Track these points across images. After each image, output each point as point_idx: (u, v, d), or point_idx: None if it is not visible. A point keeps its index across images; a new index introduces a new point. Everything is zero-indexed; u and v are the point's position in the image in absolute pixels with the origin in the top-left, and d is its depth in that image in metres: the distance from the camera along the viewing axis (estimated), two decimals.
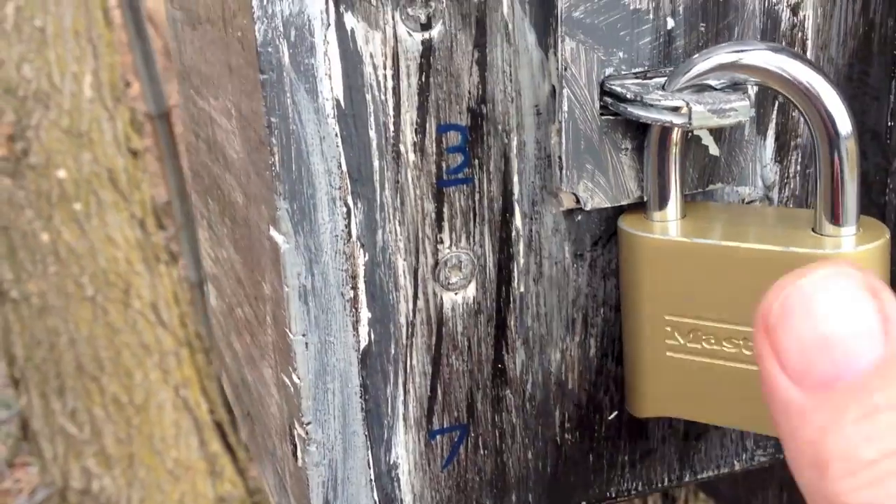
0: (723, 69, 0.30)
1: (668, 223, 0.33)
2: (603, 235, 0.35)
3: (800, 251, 0.30)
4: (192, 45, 0.41)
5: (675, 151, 0.32)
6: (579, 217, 0.35)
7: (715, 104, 0.30)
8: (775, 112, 0.35)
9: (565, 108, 0.32)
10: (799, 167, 0.36)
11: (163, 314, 1.68)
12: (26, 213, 1.60)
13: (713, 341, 0.32)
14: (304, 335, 0.32)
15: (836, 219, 0.30)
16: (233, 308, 0.43)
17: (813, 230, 0.31)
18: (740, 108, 0.30)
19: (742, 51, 0.30)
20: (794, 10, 0.34)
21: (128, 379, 1.66)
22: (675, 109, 0.30)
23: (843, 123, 0.29)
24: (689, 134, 0.33)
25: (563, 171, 0.33)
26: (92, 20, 1.61)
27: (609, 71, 0.32)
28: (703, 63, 0.31)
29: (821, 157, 0.30)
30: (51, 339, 1.62)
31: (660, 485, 0.38)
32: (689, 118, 0.30)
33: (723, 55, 0.30)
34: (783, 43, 0.35)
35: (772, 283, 0.22)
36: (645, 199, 0.34)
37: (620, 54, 0.32)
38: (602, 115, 0.33)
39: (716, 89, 0.31)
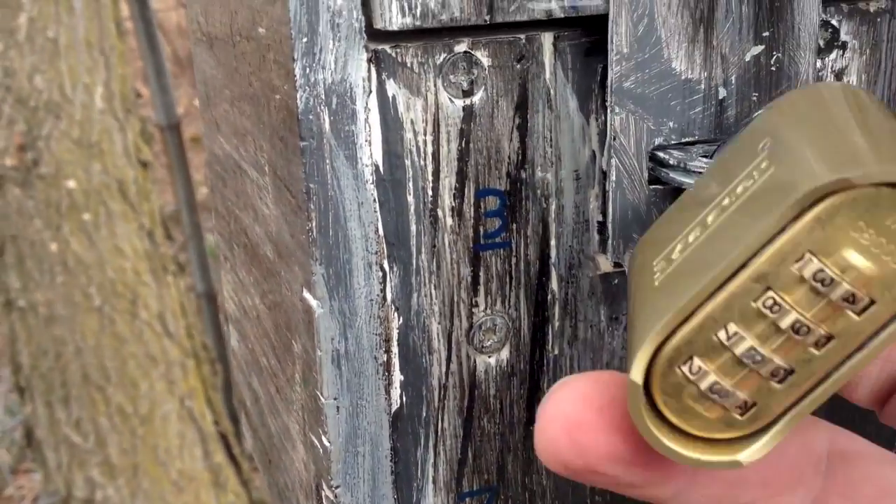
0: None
1: None
2: None
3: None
4: (221, 91, 0.41)
5: None
6: (616, 280, 0.34)
7: None
8: None
9: (613, 177, 0.32)
10: None
11: (169, 325, 1.68)
12: (35, 223, 1.60)
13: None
14: (335, 399, 0.32)
15: None
16: (257, 356, 0.43)
17: None
18: None
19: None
20: (839, 76, 0.34)
21: (133, 389, 1.66)
22: None
23: None
24: None
25: (609, 241, 0.32)
26: (104, 31, 1.61)
27: (659, 140, 0.32)
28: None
29: None
30: (57, 348, 1.62)
31: None
32: None
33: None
34: None
35: None
36: None
37: (671, 124, 0.32)
38: (650, 184, 0.32)
39: None
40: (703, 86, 0.32)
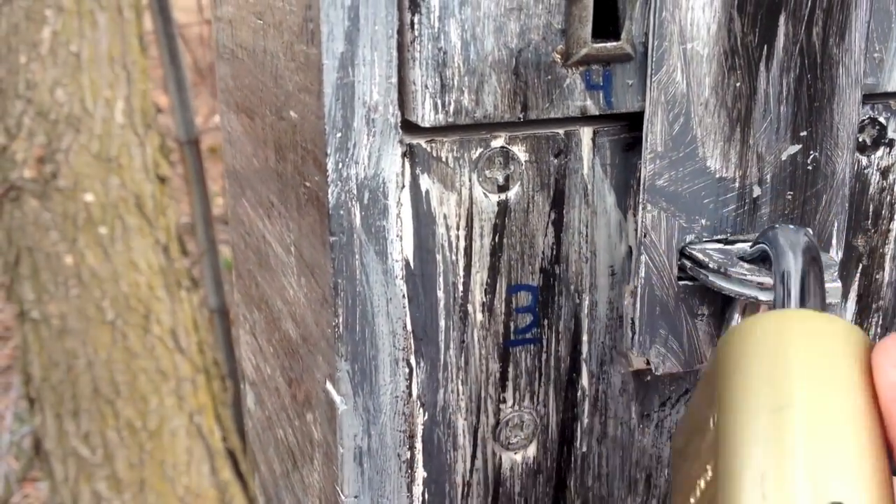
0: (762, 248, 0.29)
1: None
2: (672, 396, 0.34)
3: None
4: (247, 159, 0.40)
5: None
6: (648, 378, 0.33)
7: None
8: (858, 274, 0.34)
9: (642, 273, 0.31)
10: (879, 329, 0.35)
11: (181, 340, 1.67)
12: (51, 235, 1.59)
13: None
14: (356, 497, 0.31)
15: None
16: (274, 426, 0.42)
17: None
18: (831, 291, 0.29)
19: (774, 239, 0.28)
20: (885, 173, 0.33)
21: (143, 404, 1.65)
22: (763, 286, 0.29)
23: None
24: None
25: (636, 336, 0.31)
26: (127, 46, 1.61)
27: (690, 237, 0.31)
28: (786, 258, 0.29)
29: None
30: (68, 360, 1.62)
31: None
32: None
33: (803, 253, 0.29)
34: (870, 207, 0.33)
35: None
36: None
37: (703, 221, 0.31)
38: (680, 280, 0.31)
39: None
40: (737, 184, 0.31)
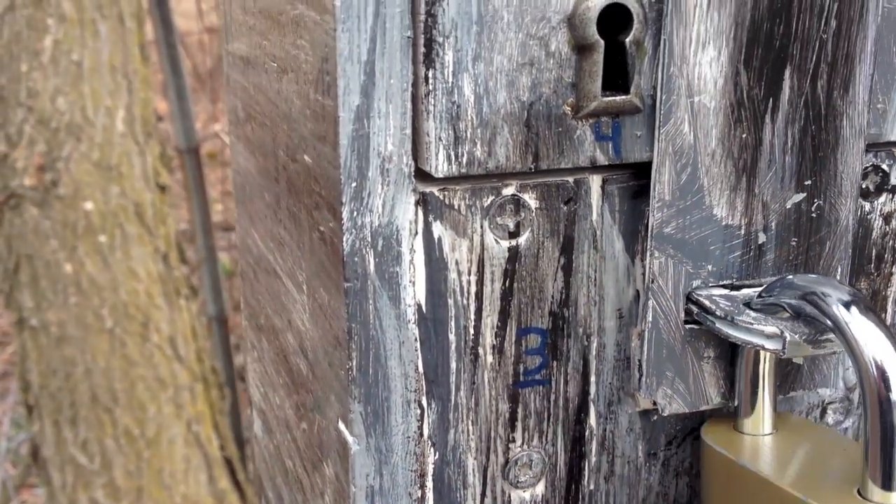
0: (802, 303, 0.30)
1: (758, 438, 0.32)
2: (678, 435, 0.34)
3: None
4: (259, 193, 0.41)
5: (766, 366, 0.32)
6: (655, 417, 0.34)
7: (810, 334, 0.29)
8: None
9: (650, 318, 0.31)
10: None
11: (180, 349, 1.68)
12: (51, 243, 1.60)
13: None
14: None
15: (886, 484, 0.29)
16: (282, 456, 0.43)
17: (860, 493, 0.29)
18: (835, 340, 0.29)
19: (823, 295, 0.29)
20: (887, 218, 0.34)
21: (141, 412, 1.65)
22: (769, 335, 0.30)
23: None
24: None
25: (644, 378, 0.32)
26: (129, 55, 1.61)
27: (696, 283, 0.31)
28: (786, 294, 0.30)
29: (870, 417, 0.28)
30: (67, 368, 1.62)
31: None
32: (783, 347, 0.29)
33: (803, 293, 0.29)
34: (873, 251, 0.34)
35: None
36: (728, 405, 0.33)
37: (709, 267, 0.31)
38: (686, 324, 0.32)
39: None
40: (743, 231, 0.31)
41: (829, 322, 0.29)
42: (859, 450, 0.31)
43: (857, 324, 0.28)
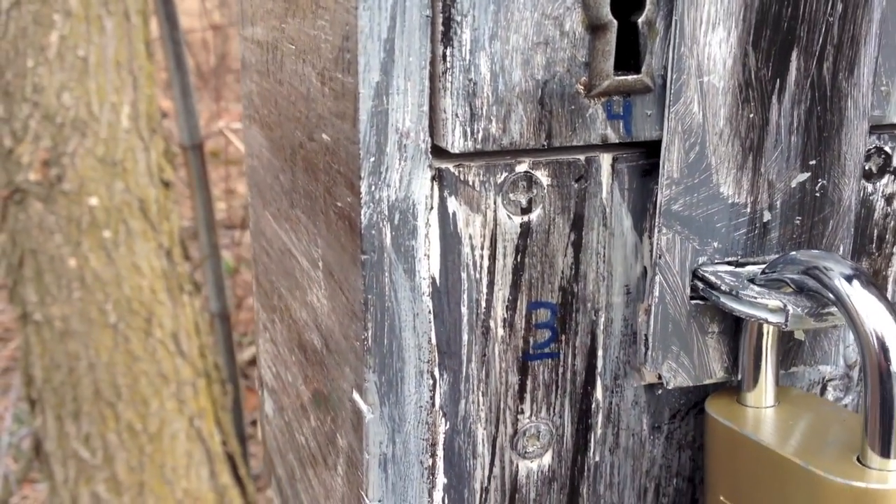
0: (805, 278, 0.30)
1: (761, 410, 0.33)
2: (682, 409, 0.35)
3: (839, 481, 0.29)
4: (273, 173, 0.42)
5: (769, 340, 0.33)
6: (659, 391, 0.35)
7: (812, 308, 0.30)
8: None
9: (656, 293, 0.32)
10: None
11: (183, 344, 1.69)
12: (55, 238, 1.61)
13: None
14: (380, 501, 0.32)
15: (886, 452, 0.29)
16: (294, 432, 0.43)
17: (859, 459, 0.30)
18: (837, 313, 0.30)
19: (825, 269, 0.30)
20: (889, 199, 0.35)
21: (143, 407, 1.66)
22: (772, 309, 0.30)
23: None
24: None
25: (649, 352, 0.33)
26: (134, 51, 1.62)
27: (702, 259, 0.32)
28: (789, 269, 0.31)
29: (870, 387, 0.29)
30: (70, 363, 1.63)
31: None
32: (786, 320, 0.30)
33: (805, 267, 0.30)
34: (874, 231, 0.35)
35: (804, 498, 0.28)
36: (731, 379, 0.34)
37: (715, 244, 0.32)
38: (692, 299, 0.33)
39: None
40: (748, 209, 0.32)
41: (831, 295, 0.30)
42: (859, 420, 0.32)
43: (859, 297, 0.29)
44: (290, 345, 0.42)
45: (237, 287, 2.48)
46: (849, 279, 0.29)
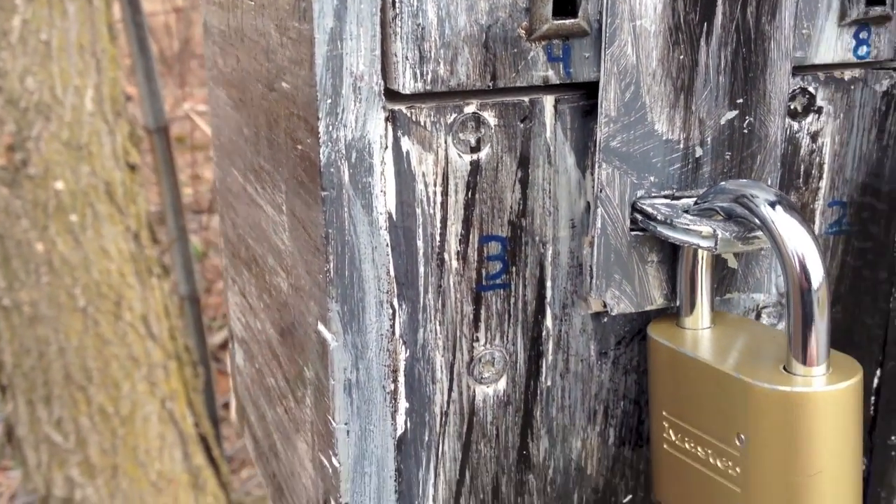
0: (734, 205, 0.33)
1: (698, 332, 0.35)
2: (626, 336, 0.38)
3: (767, 386, 0.32)
4: (237, 129, 0.44)
5: (703, 266, 0.35)
6: (605, 319, 0.37)
7: (740, 232, 0.33)
8: None
9: (598, 224, 0.35)
10: None
11: (153, 327, 1.69)
12: (22, 223, 1.61)
13: (693, 444, 0.35)
14: (346, 424, 0.35)
15: (807, 360, 0.32)
16: (264, 376, 0.46)
17: (785, 368, 0.33)
18: (762, 237, 0.33)
19: (751, 196, 0.32)
20: (814, 137, 0.37)
21: (115, 390, 1.67)
22: (703, 234, 0.33)
23: (817, 277, 0.31)
24: None
25: (594, 280, 0.35)
26: (97, 35, 1.62)
27: (640, 193, 0.35)
28: (719, 198, 0.33)
29: (792, 303, 0.32)
30: (40, 347, 1.63)
31: None
32: (715, 244, 0.33)
33: (734, 196, 0.33)
34: (801, 167, 0.37)
35: (737, 406, 0.32)
36: (670, 306, 0.36)
37: (652, 178, 0.35)
38: (632, 230, 0.35)
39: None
40: (681, 146, 0.35)
41: (757, 220, 0.32)
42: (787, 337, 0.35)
43: (782, 221, 0.32)
44: (259, 292, 0.44)
45: (206, 271, 2.49)
46: (772, 205, 0.32)
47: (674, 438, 0.36)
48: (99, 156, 1.65)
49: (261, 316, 0.44)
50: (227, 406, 2.26)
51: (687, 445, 0.35)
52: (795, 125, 0.37)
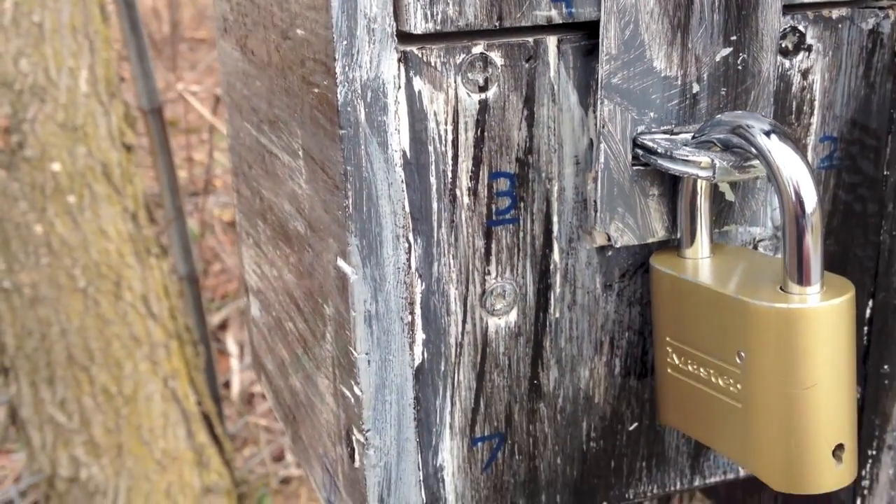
0: (730, 136, 0.35)
1: (698, 261, 0.37)
2: (630, 269, 0.40)
3: (765, 305, 0.34)
4: (249, 84, 0.45)
5: (702, 198, 0.37)
6: (609, 252, 0.39)
7: (737, 161, 0.35)
8: None
9: (602, 159, 0.36)
10: None
11: (153, 306, 1.71)
12: (20, 205, 1.62)
13: (696, 366, 0.37)
14: (367, 354, 0.37)
15: (802, 280, 0.34)
16: (281, 322, 0.47)
17: (781, 288, 0.35)
18: (758, 165, 0.35)
19: (747, 126, 0.34)
20: (805, 74, 0.39)
21: (117, 370, 1.69)
22: (702, 165, 0.35)
23: (811, 201, 0.33)
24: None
25: (598, 214, 0.37)
26: (89, 16, 1.63)
27: (641, 128, 0.37)
28: (716, 130, 0.35)
29: (787, 227, 0.34)
30: (42, 329, 1.65)
31: (673, 488, 0.43)
32: (714, 172, 0.35)
33: (730, 127, 0.35)
34: (793, 103, 0.39)
35: (738, 326, 0.34)
36: (672, 238, 0.38)
37: (651, 114, 0.36)
38: (633, 165, 0.37)
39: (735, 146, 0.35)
40: (679, 82, 0.37)
41: (753, 149, 0.34)
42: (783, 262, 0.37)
43: (777, 149, 0.33)
44: (275, 240, 0.46)
45: (204, 251, 2.50)
46: (767, 134, 0.34)
47: (677, 362, 0.38)
48: (95, 137, 1.66)
49: (277, 264, 0.46)
50: (227, 385, 2.28)
51: (690, 368, 0.37)
52: (787, 63, 0.39)
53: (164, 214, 1.92)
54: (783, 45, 0.39)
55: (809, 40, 0.39)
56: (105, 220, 1.69)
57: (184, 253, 1.91)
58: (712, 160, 0.35)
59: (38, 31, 1.62)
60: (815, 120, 0.40)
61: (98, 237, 1.69)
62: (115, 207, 1.70)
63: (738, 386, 0.35)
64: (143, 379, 1.73)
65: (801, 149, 0.35)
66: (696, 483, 0.43)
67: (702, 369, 0.37)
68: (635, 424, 0.42)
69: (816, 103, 0.40)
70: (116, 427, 1.72)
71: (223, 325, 2.48)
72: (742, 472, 0.44)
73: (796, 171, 0.33)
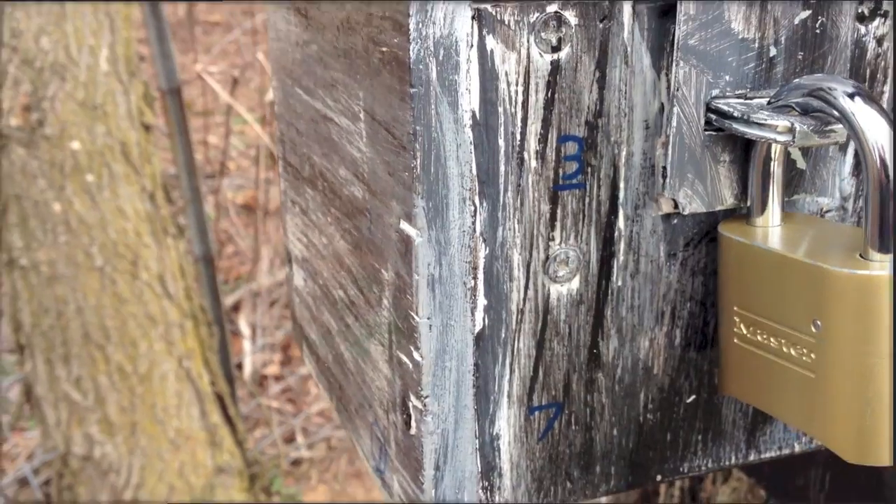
0: (810, 99, 0.34)
1: (769, 229, 0.37)
2: (695, 238, 0.39)
3: (845, 272, 0.33)
4: (303, 48, 0.45)
5: (775, 164, 0.36)
6: (675, 220, 0.38)
7: (817, 125, 0.34)
8: None
9: (674, 123, 0.36)
10: None
11: (169, 286, 1.71)
12: (39, 183, 1.62)
13: (766, 336, 0.36)
14: (428, 318, 0.36)
15: (883, 247, 0.33)
16: (329, 290, 0.47)
17: (861, 256, 0.34)
18: (839, 130, 0.34)
19: (829, 89, 0.33)
20: (880, 41, 0.38)
21: (133, 349, 1.69)
22: (780, 129, 0.34)
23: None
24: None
25: (668, 180, 0.36)
26: None
27: (715, 92, 0.36)
28: (795, 94, 0.34)
29: (870, 194, 0.33)
30: (58, 307, 1.64)
31: (728, 462, 0.42)
32: (793, 137, 0.34)
33: (810, 89, 0.34)
34: (867, 70, 0.38)
35: (814, 293, 0.33)
36: (740, 206, 0.38)
37: (727, 77, 0.36)
38: (706, 130, 0.36)
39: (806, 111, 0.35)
40: (756, 45, 0.36)
41: (836, 113, 0.33)
42: (858, 231, 0.36)
43: (862, 112, 0.33)
44: (325, 207, 0.45)
45: (219, 233, 2.50)
46: (851, 96, 0.33)
47: (745, 332, 0.37)
48: (114, 116, 1.65)
49: (328, 231, 0.45)
50: (240, 367, 2.28)
51: (759, 338, 0.36)
52: (862, 29, 0.38)
53: (180, 195, 1.91)
54: (859, 11, 0.38)
55: (885, 6, 0.38)
56: (123, 200, 1.68)
57: (200, 234, 1.90)
58: (792, 124, 0.34)
59: (59, 8, 1.61)
60: (888, 88, 0.39)
61: (116, 216, 1.68)
62: (133, 187, 1.70)
63: (812, 355, 0.34)
64: (157, 358, 1.73)
65: (885, 109, 0.34)
66: (752, 458, 0.43)
67: (772, 339, 0.36)
68: (693, 397, 0.41)
69: (890, 71, 0.39)
70: (131, 406, 1.72)
71: (236, 307, 2.48)
72: (797, 448, 0.43)
73: (882, 135, 0.32)
